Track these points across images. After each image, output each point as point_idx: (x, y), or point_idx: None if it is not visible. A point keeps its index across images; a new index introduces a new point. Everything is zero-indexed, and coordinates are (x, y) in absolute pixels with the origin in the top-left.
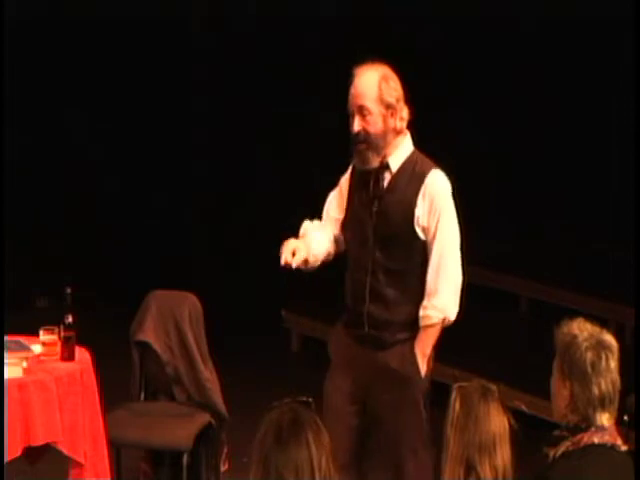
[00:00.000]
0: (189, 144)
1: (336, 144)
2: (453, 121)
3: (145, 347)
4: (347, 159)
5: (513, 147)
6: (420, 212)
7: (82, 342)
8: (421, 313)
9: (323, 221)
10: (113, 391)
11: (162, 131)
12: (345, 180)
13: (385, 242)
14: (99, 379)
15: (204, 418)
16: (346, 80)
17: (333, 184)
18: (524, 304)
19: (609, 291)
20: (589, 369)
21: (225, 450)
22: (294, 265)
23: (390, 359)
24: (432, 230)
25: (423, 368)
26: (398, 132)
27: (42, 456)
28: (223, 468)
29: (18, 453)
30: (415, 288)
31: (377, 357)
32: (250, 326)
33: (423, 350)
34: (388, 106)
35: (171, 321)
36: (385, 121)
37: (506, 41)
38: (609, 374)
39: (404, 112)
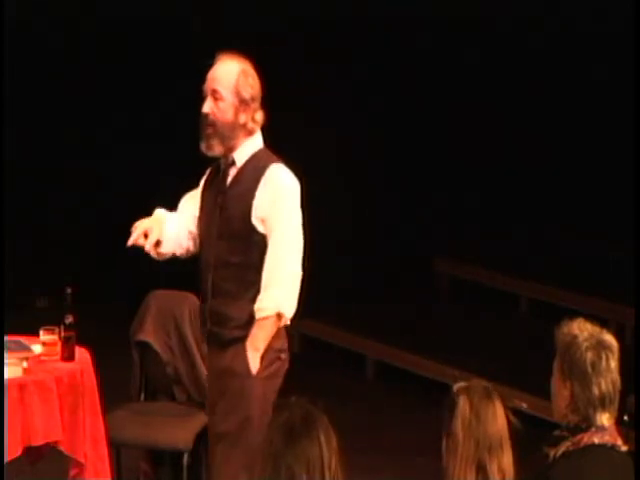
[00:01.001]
0: (194, 145)
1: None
2: (455, 123)
3: (145, 347)
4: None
5: (514, 147)
6: (258, 203)
7: (82, 342)
8: (255, 306)
9: (178, 213)
10: (113, 391)
11: (164, 131)
12: (202, 181)
13: (226, 236)
14: (99, 379)
15: (204, 418)
16: (345, 80)
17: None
18: (524, 304)
19: (609, 291)
20: (589, 369)
21: None
22: (147, 247)
23: (227, 359)
24: (270, 222)
25: (254, 364)
26: (249, 131)
27: (42, 456)
28: None
29: (18, 453)
30: (257, 284)
31: (219, 358)
32: None
33: (254, 344)
34: (242, 100)
35: (171, 321)
36: (236, 114)
37: (508, 42)
38: (609, 374)
39: (258, 114)
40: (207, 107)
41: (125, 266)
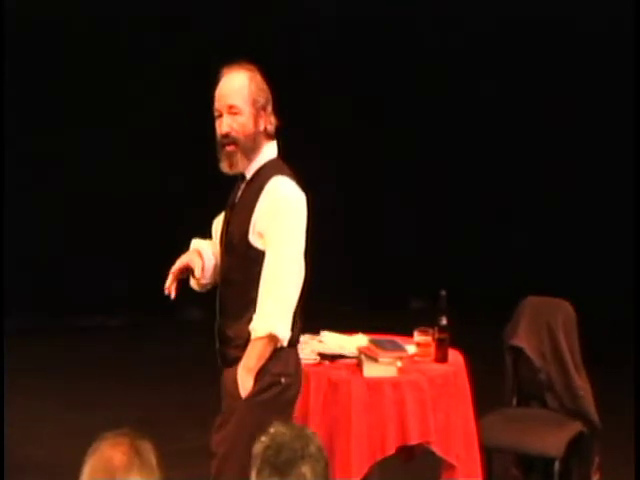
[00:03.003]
0: None
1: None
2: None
3: (518, 352)
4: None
5: None
6: (256, 218)
7: (455, 344)
8: (250, 326)
9: (213, 240)
10: (486, 395)
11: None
12: None
13: (229, 252)
14: (472, 382)
15: (576, 426)
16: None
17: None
18: None
19: None
20: None
21: (597, 460)
22: (197, 275)
23: (228, 379)
24: (267, 237)
25: (244, 386)
26: (269, 135)
27: (415, 456)
28: (594, 478)
29: (392, 451)
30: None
31: (225, 377)
32: (624, 335)
33: (246, 364)
34: (259, 108)
35: (544, 327)
36: (256, 123)
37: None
38: None
39: (272, 117)
40: (226, 126)
41: (498, 273)
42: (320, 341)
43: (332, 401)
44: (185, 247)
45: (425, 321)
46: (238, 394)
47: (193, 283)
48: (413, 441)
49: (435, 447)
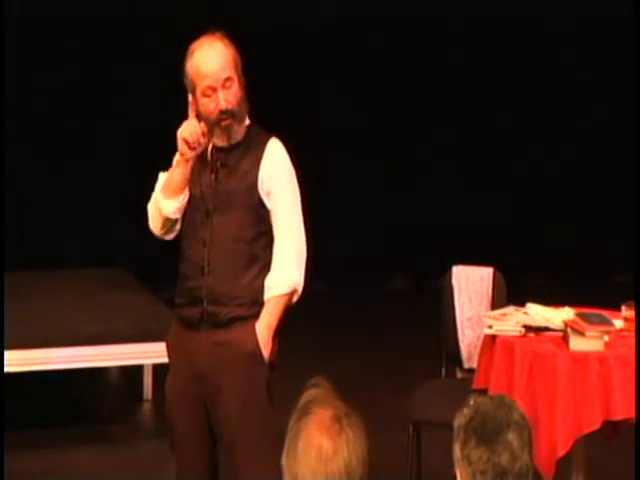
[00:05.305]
0: None
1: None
2: None
3: None
4: None
5: None
6: (263, 176)
7: None
8: (269, 282)
9: None
10: None
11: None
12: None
13: (227, 210)
14: None
15: None
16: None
17: None
18: None
19: None
20: None
21: None
22: (203, 141)
23: (230, 338)
24: (277, 197)
25: (267, 346)
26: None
27: (619, 432)
28: None
29: (597, 426)
30: (261, 259)
31: (216, 337)
32: None
33: (270, 322)
34: (241, 71)
35: None
36: (242, 87)
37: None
38: None
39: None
40: (223, 101)
41: None
42: (526, 313)
43: (537, 374)
44: None
45: (633, 295)
46: (252, 356)
47: (170, 205)
48: (618, 416)
49: None
